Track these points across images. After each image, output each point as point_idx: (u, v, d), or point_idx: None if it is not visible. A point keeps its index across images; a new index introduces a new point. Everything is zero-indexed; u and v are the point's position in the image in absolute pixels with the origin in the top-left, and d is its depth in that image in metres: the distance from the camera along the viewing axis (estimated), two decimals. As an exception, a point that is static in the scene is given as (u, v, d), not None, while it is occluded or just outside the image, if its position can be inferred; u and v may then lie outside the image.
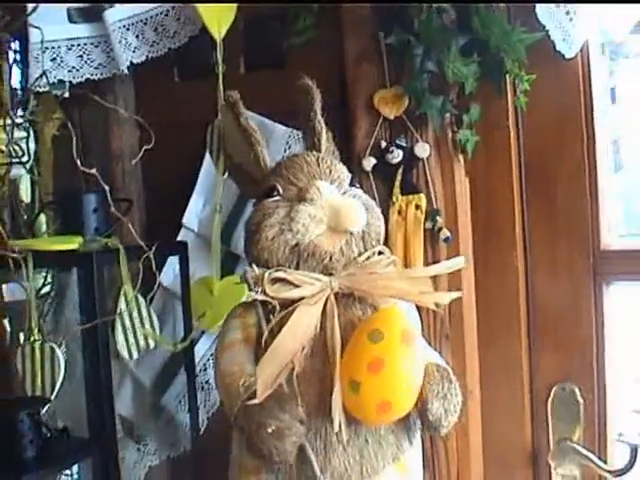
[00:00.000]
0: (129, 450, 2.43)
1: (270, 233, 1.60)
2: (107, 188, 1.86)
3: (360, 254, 1.64)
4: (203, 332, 2.29)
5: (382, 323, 1.52)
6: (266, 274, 1.58)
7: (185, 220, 2.33)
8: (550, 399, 2.16)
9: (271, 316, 1.59)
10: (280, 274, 1.58)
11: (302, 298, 1.58)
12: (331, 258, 1.61)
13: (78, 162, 1.85)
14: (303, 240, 1.59)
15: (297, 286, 1.58)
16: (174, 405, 2.42)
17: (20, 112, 2.11)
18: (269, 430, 1.47)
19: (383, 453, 1.61)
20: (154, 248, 1.86)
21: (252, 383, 1.52)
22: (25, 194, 2.25)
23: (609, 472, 2.06)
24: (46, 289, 2.09)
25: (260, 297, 1.58)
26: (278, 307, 1.58)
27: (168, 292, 2.32)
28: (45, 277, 1.99)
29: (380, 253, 1.67)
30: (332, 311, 1.57)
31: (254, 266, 1.60)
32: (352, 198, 1.65)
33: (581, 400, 2.12)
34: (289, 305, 1.57)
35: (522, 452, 2.20)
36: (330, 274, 1.60)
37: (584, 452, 2.08)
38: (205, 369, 2.35)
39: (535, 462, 2.18)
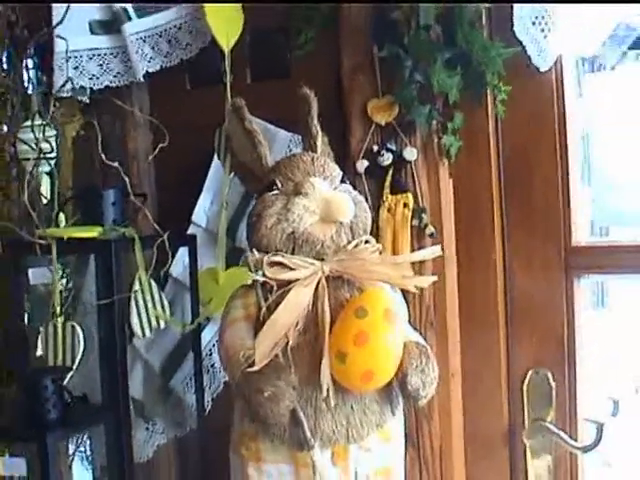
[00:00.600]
0: (139, 429, 2.53)
1: (269, 222, 1.76)
2: (127, 179, 2.03)
3: (349, 242, 1.78)
4: (209, 320, 2.40)
5: (367, 302, 1.68)
6: (265, 258, 1.73)
7: (194, 217, 2.46)
8: (525, 383, 2.27)
9: (269, 295, 1.74)
10: (277, 258, 1.73)
11: (297, 280, 1.72)
12: (323, 245, 1.76)
13: (102, 156, 2.01)
14: (298, 229, 1.74)
15: (292, 269, 1.73)
16: (181, 387, 2.54)
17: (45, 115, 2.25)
18: (265, 394, 1.62)
19: (367, 420, 1.76)
20: (166, 235, 2.01)
21: (251, 354, 1.68)
22: (45, 189, 2.39)
23: (578, 448, 2.19)
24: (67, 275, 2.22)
25: (260, 278, 1.75)
26: (275, 287, 1.74)
27: (178, 284, 2.46)
28: (64, 266, 2.12)
29: (367, 242, 1.81)
30: (323, 292, 1.72)
31: (255, 251, 1.76)
32: (342, 193, 1.81)
33: (553, 384, 2.23)
34: (285, 286, 1.72)
35: (499, 431, 2.30)
36: (322, 259, 1.75)
37: (556, 431, 2.19)
38: (211, 354, 2.47)
39: (511, 440, 2.29)
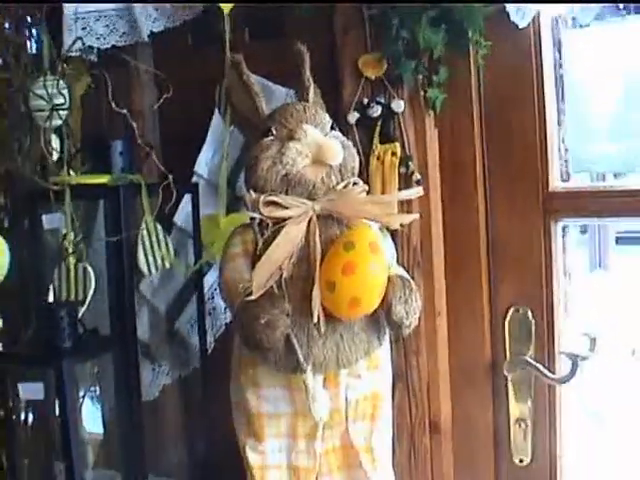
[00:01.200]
0: (145, 370, 2.66)
1: (265, 165, 1.90)
2: (134, 125, 2.17)
3: (338, 183, 1.92)
4: (211, 266, 2.53)
5: (354, 236, 1.82)
6: (261, 198, 1.87)
7: (196, 167, 2.58)
8: (507, 320, 2.38)
9: (265, 232, 1.88)
10: (273, 198, 1.87)
11: (290, 218, 1.86)
12: (314, 186, 1.89)
13: (112, 104, 2.14)
14: (291, 171, 1.88)
15: (286, 208, 1.87)
16: (185, 329, 2.68)
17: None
18: (262, 321, 1.76)
19: (356, 348, 1.90)
20: (171, 178, 2.16)
21: (249, 286, 1.82)
22: (56, 144, 2.50)
23: (555, 380, 2.32)
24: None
25: (257, 216, 1.90)
26: (271, 225, 1.88)
27: (182, 231, 2.59)
28: (76, 211, 2.26)
29: (355, 184, 1.95)
30: (314, 228, 1.86)
31: (252, 192, 1.90)
32: (332, 138, 1.94)
33: (533, 320, 2.35)
34: (279, 224, 1.87)
35: (483, 365, 2.42)
36: (313, 199, 1.89)
37: (534, 364, 2.32)
38: (213, 297, 2.61)
39: (494, 373, 2.41)
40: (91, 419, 2.95)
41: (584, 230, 9.10)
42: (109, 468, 2.84)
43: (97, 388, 2.89)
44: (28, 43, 2.62)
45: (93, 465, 2.90)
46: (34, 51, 2.59)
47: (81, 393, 2.75)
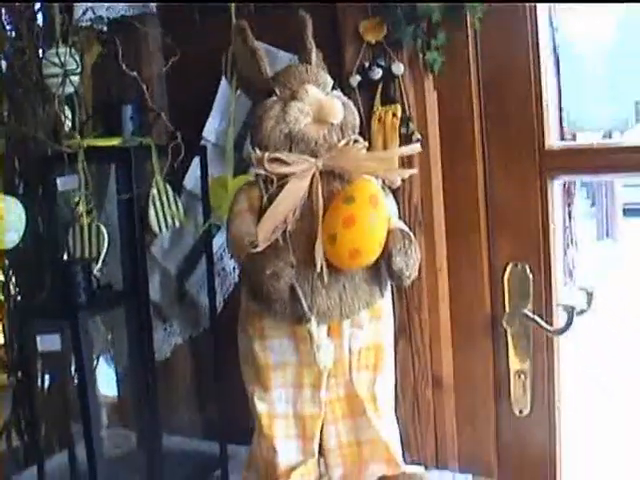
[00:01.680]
0: (157, 331, 2.76)
1: (269, 124, 1.97)
2: (144, 86, 2.25)
3: (339, 141, 1.99)
4: (219, 228, 2.61)
5: (355, 190, 1.90)
6: (266, 155, 1.95)
7: (204, 133, 2.65)
8: (506, 275, 2.45)
9: (270, 188, 1.97)
10: (277, 155, 1.95)
11: (293, 174, 1.94)
12: (316, 143, 1.97)
13: (123, 66, 2.23)
14: (294, 129, 1.96)
15: (290, 165, 1.95)
16: (195, 290, 2.76)
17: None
18: (267, 272, 1.85)
19: (358, 298, 1.99)
20: (180, 138, 2.24)
21: (255, 239, 1.91)
22: (67, 108, 2.56)
23: (552, 331, 2.39)
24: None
25: (262, 172, 1.98)
26: (275, 181, 1.96)
27: (191, 195, 2.66)
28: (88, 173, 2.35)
29: (355, 141, 2.02)
30: (317, 184, 1.94)
31: (257, 150, 1.98)
32: (333, 97, 2.02)
33: (530, 275, 2.41)
34: (283, 180, 1.95)
35: (483, 320, 2.49)
36: (315, 156, 1.96)
37: (533, 317, 2.39)
38: (222, 258, 2.69)
39: (494, 328, 2.48)
40: (104, 382, 3.02)
41: (593, 203, 9.16)
42: (123, 427, 2.91)
43: (110, 352, 2.96)
44: (39, 14, 2.69)
45: (107, 426, 2.97)
46: (45, 21, 2.64)
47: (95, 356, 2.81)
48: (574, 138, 2.53)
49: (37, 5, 2.69)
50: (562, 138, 2.48)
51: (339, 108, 1.99)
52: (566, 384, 2.52)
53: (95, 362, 2.77)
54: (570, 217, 4.45)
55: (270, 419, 2.10)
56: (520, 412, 2.51)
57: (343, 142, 2.00)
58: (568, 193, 4.41)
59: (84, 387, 2.11)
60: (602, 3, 2.31)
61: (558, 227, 2.39)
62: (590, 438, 3.27)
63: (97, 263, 2.22)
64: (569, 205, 4.41)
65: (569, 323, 2.36)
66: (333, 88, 2.07)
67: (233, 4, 2.45)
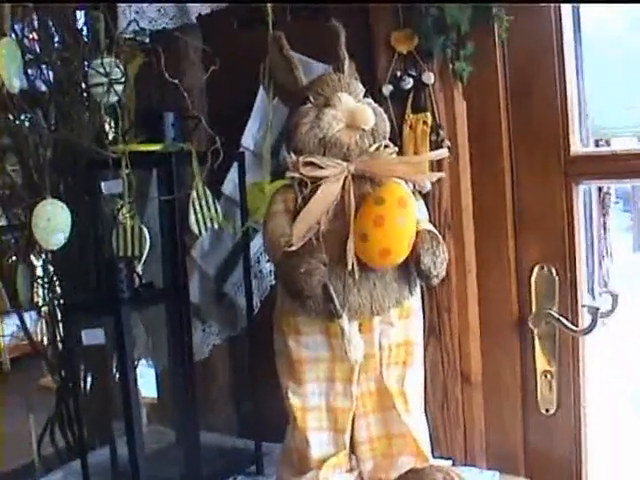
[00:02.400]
0: (196, 331, 2.85)
1: (304, 129, 2.06)
2: (185, 95, 2.36)
3: (370, 145, 2.07)
4: (257, 232, 2.69)
5: (384, 192, 1.98)
6: (300, 159, 2.04)
7: (243, 141, 2.75)
8: (532, 277, 2.52)
9: (304, 190, 2.05)
10: (311, 159, 2.03)
11: (327, 177, 2.03)
12: (348, 148, 2.05)
13: (166, 75, 2.33)
14: (327, 134, 2.04)
15: (323, 168, 2.03)
16: (233, 291, 2.85)
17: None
18: (301, 270, 1.94)
19: (388, 296, 2.06)
20: (219, 142, 2.33)
21: (289, 239, 2.00)
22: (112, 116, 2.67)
23: (577, 332, 2.46)
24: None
25: (296, 175, 2.06)
26: (309, 184, 2.04)
27: (230, 200, 2.76)
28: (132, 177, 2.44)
29: (386, 146, 2.11)
30: (349, 186, 2.01)
31: (292, 154, 2.07)
32: (365, 105, 2.11)
33: (556, 277, 2.48)
34: (317, 183, 2.03)
35: (510, 320, 2.56)
36: (348, 160, 2.04)
37: (558, 317, 2.47)
38: (259, 261, 2.78)
39: (521, 328, 2.55)
40: (144, 384, 3.13)
41: (633, 217, 9.18)
42: (162, 425, 3.01)
43: (150, 355, 3.07)
44: (85, 26, 2.80)
45: (147, 424, 3.07)
46: (89, 33, 2.76)
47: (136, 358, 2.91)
48: (608, 144, 2.58)
49: (82, 18, 2.80)
50: (587, 144, 2.50)
51: (370, 115, 2.07)
52: (592, 388, 2.58)
53: (136, 363, 2.85)
54: (605, 229, 4.50)
55: (303, 412, 2.18)
56: (547, 411, 2.57)
57: (374, 147, 2.08)
58: (603, 205, 4.46)
59: (126, 380, 2.18)
60: (606, 3, 2.38)
61: (595, 238, 2.43)
62: (615, 443, 3.32)
63: (139, 263, 2.31)
64: (604, 216, 4.46)
65: (594, 324, 2.42)
66: (365, 96, 2.16)
67: (270, 16, 2.54)
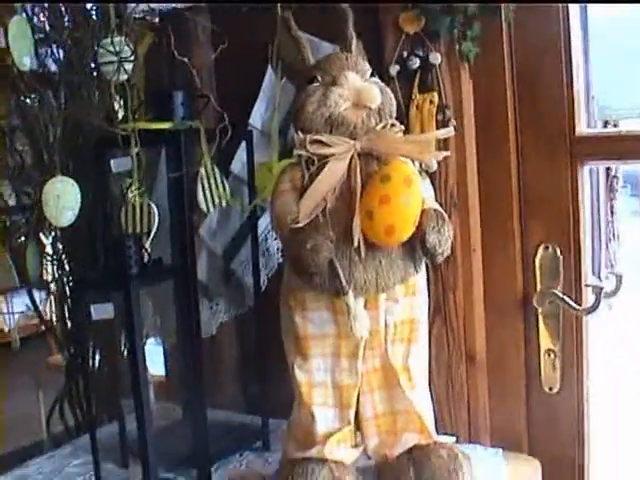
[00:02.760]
0: (204, 309, 2.87)
1: (311, 108, 2.09)
2: (194, 72, 2.38)
3: (377, 124, 2.09)
4: (264, 210, 2.72)
5: (390, 171, 2.00)
6: (308, 137, 2.06)
7: (251, 120, 2.77)
8: (537, 257, 2.54)
9: (311, 167, 2.07)
10: (318, 137, 2.05)
11: (333, 155, 2.05)
12: (355, 127, 2.07)
13: (175, 53, 2.35)
14: (334, 112, 2.07)
15: (330, 146, 2.05)
16: (240, 269, 2.87)
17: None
18: (307, 246, 1.96)
19: (394, 273, 2.08)
20: (227, 120, 2.35)
21: (296, 216, 2.03)
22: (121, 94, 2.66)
23: (581, 311, 2.49)
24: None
25: (303, 153, 2.08)
26: (316, 161, 2.07)
27: (238, 179, 2.78)
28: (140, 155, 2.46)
29: (392, 125, 2.13)
30: (355, 164, 2.04)
31: (299, 132, 2.10)
32: (371, 83, 2.13)
33: (561, 257, 2.51)
34: (324, 160, 2.05)
35: (515, 299, 2.59)
36: (354, 139, 2.06)
37: (562, 296, 2.49)
38: (266, 239, 2.80)
39: (525, 307, 2.58)
40: (152, 362, 3.13)
41: (642, 199, 9.17)
42: (170, 402, 3.05)
43: (158, 334, 3.11)
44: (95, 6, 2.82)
45: (155, 401, 3.10)
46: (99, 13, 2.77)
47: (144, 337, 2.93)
48: (616, 126, 2.59)
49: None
50: (605, 125, 2.53)
51: (377, 93, 2.09)
52: (595, 367, 2.62)
53: (144, 341, 2.85)
54: (612, 212, 4.50)
55: (309, 387, 2.21)
56: (550, 389, 2.60)
57: (380, 125, 2.10)
58: (611, 188, 4.47)
59: (135, 356, 2.20)
60: (608, 3, 2.42)
61: (602, 222, 2.45)
62: (618, 422, 3.35)
63: (148, 239, 2.34)
64: (611, 200, 4.47)
65: (597, 303, 2.44)
66: (372, 75, 2.17)
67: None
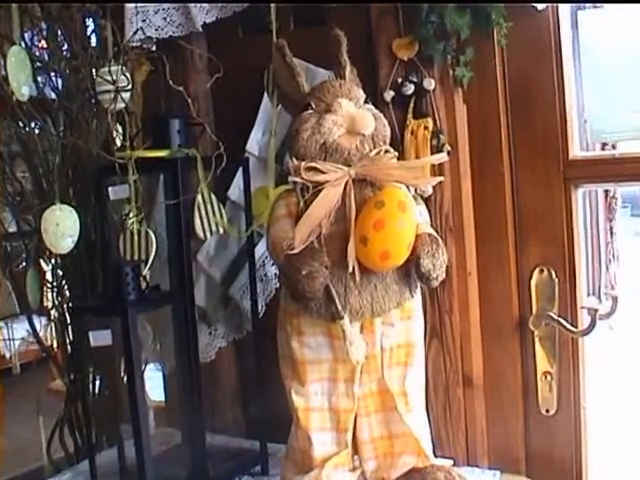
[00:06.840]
0: (202, 334, 2.87)
1: (305, 135, 2.10)
2: (189, 100, 2.39)
3: (371, 150, 2.11)
4: (261, 236, 2.70)
5: (384, 196, 2.02)
6: (302, 164, 2.08)
7: (248, 146, 2.78)
8: (532, 280, 2.56)
9: (306, 194, 2.09)
10: (312, 164, 2.07)
11: (328, 182, 2.07)
12: (349, 153, 2.09)
13: (171, 82, 2.36)
14: (328, 139, 2.08)
15: (324, 173, 2.07)
16: (239, 295, 2.87)
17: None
18: (303, 273, 1.97)
19: (389, 298, 2.10)
20: (223, 148, 2.36)
21: (292, 242, 2.03)
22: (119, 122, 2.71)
23: (576, 333, 2.50)
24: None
25: (298, 180, 2.10)
26: (311, 188, 2.08)
27: (235, 205, 2.78)
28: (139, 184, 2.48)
29: (386, 151, 2.15)
30: (350, 191, 2.05)
31: (294, 159, 2.11)
32: (365, 110, 2.15)
33: (556, 279, 2.52)
34: (318, 187, 2.07)
35: (511, 322, 2.60)
36: (349, 165, 2.08)
37: (558, 319, 2.50)
38: (264, 264, 2.80)
39: (521, 330, 2.59)
40: (151, 387, 3.14)
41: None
42: (169, 427, 3.04)
43: (157, 359, 3.10)
44: (93, 35, 2.85)
45: (154, 426, 3.11)
46: (97, 42, 2.80)
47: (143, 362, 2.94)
48: (598, 148, 2.61)
49: (90, 27, 2.85)
50: (586, 148, 2.53)
51: (370, 120, 2.11)
52: (592, 388, 2.62)
53: (144, 367, 2.87)
54: (612, 233, 4.51)
55: (306, 412, 2.22)
56: (547, 412, 2.61)
57: (374, 152, 2.12)
58: (609, 209, 4.48)
59: (133, 381, 2.23)
60: (610, 3, 2.42)
61: (601, 243, 2.47)
62: (616, 442, 3.35)
63: (146, 266, 2.35)
64: (610, 221, 4.48)
65: (592, 325, 2.45)
66: (366, 102, 2.19)
67: (274, 24, 2.58)
